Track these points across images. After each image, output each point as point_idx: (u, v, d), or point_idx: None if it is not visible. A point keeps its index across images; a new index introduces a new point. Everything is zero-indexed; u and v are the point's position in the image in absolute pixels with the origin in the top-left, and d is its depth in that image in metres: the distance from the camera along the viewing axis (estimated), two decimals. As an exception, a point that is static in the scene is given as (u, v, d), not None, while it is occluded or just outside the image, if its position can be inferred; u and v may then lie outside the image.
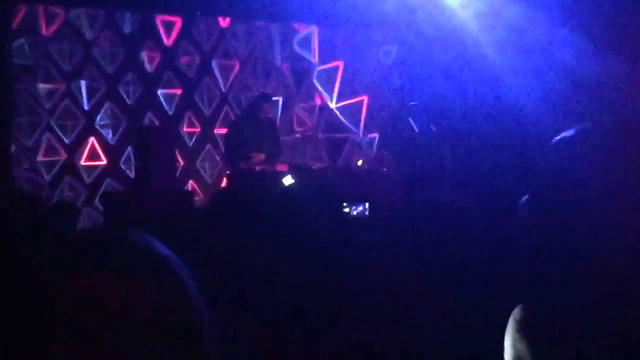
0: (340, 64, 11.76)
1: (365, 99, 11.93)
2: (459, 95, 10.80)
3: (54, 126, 9.93)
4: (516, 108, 9.97)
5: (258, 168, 8.99)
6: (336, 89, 11.73)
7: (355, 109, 11.90)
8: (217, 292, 3.14)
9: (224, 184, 10.19)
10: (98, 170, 10.14)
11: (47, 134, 9.88)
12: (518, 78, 9.73)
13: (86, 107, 10.15)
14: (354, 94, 11.92)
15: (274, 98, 10.57)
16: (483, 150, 10.40)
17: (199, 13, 10.30)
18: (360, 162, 9.99)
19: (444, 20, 10.24)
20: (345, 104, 11.87)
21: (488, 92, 10.30)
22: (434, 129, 11.57)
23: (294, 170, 9.16)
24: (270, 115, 9.67)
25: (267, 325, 2.83)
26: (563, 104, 9.53)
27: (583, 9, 9.12)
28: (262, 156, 9.14)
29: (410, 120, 11.78)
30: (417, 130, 11.78)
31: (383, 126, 11.89)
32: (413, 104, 11.78)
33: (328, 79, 11.72)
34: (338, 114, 11.83)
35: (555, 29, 9.26)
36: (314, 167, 9.84)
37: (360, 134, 11.82)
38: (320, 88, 11.70)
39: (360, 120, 11.87)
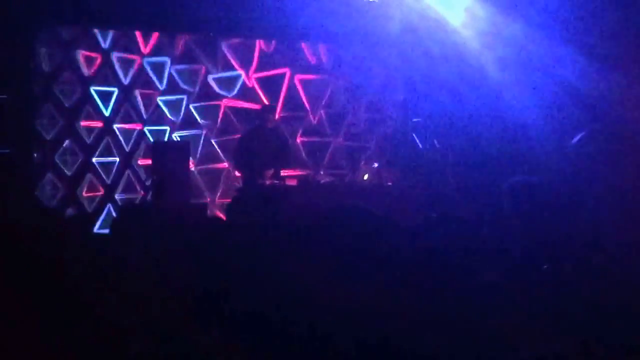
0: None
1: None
2: (462, 112, 11.01)
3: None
4: (518, 124, 10.18)
5: (268, 182, 9.21)
6: None
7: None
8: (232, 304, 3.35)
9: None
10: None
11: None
12: (519, 94, 9.94)
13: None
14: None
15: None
16: (485, 164, 10.59)
17: (211, 34, 10.53)
18: (366, 177, 10.23)
19: (446, 39, 10.49)
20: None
21: (490, 109, 10.51)
22: (437, 144, 11.81)
23: (303, 185, 9.40)
24: (275, 126, 9.92)
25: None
26: (564, 120, 9.74)
27: (583, 27, 9.35)
28: (271, 171, 9.37)
29: (414, 136, 12.03)
30: (420, 146, 12.03)
31: (387, 142, 12.12)
32: (416, 120, 12.03)
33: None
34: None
35: (556, 47, 9.49)
36: (321, 182, 10.09)
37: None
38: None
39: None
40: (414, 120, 12.10)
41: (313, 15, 10.10)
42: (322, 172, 10.74)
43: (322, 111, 11.94)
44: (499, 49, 10.01)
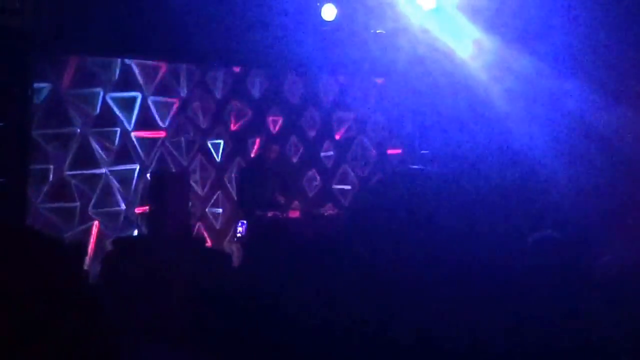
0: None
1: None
2: (470, 144, 10.91)
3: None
4: (526, 156, 10.07)
5: (270, 214, 9.09)
6: None
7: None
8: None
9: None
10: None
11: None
12: (527, 127, 9.85)
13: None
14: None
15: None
16: (492, 197, 10.44)
17: (215, 63, 10.47)
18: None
19: (455, 71, 10.42)
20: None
21: (498, 141, 10.41)
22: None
23: (306, 217, 9.28)
24: (279, 156, 9.82)
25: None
26: (571, 152, 9.63)
27: (590, 60, 9.26)
28: (282, 199, 9.28)
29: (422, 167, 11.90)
30: (429, 177, 11.87)
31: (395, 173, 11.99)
32: (424, 152, 11.92)
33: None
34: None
35: (564, 80, 9.40)
36: (325, 214, 9.96)
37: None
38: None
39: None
40: (422, 152, 11.98)
41: (321, 47, 10.07)
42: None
43: (328, 142, 11.84)
44: (507, 81, 9.94)
